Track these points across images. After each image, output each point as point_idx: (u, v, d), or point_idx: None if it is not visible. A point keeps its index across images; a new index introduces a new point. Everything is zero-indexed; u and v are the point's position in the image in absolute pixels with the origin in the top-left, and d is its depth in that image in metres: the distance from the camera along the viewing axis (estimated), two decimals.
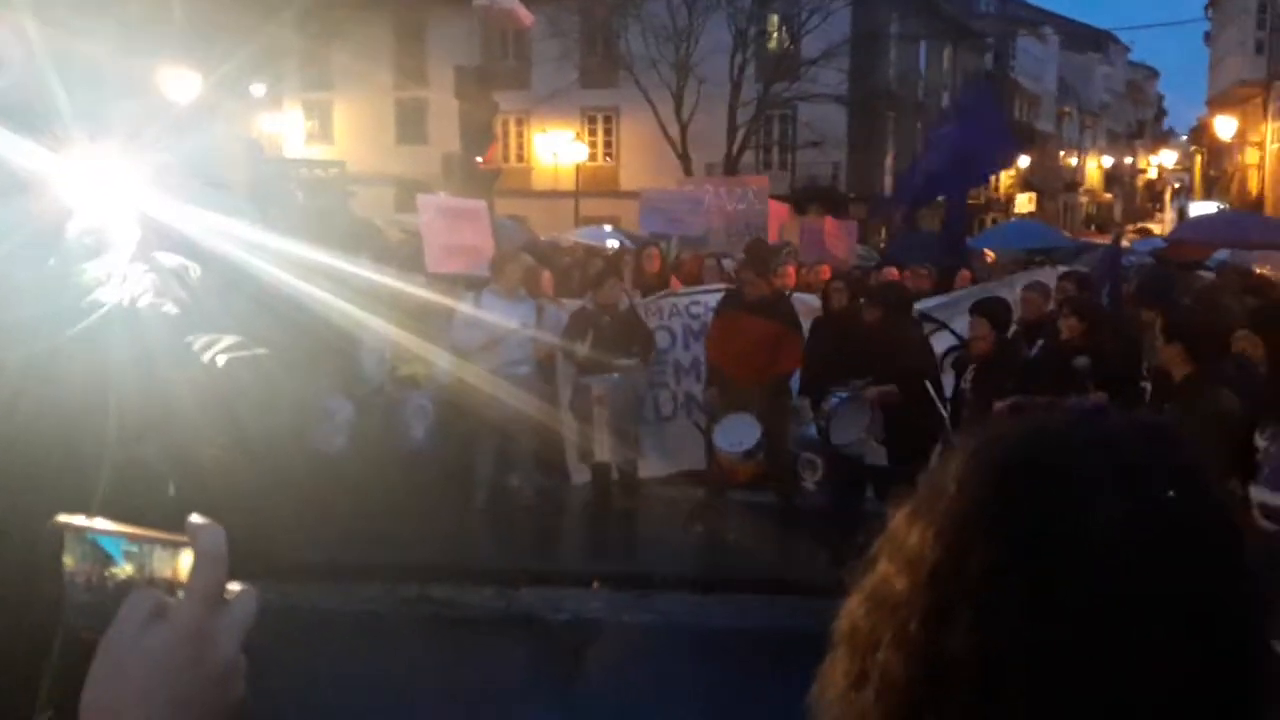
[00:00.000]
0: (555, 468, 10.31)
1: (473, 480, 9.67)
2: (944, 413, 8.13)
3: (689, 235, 14.32)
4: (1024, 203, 55.02)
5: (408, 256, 11.75)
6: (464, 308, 9.45)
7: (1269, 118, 37.51)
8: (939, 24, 43.86)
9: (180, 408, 1.57)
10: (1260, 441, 5.37)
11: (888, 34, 39.12)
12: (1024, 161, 55.48)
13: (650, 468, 10.19)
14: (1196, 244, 17.58)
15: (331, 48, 35.33)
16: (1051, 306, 9.35)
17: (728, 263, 12.57)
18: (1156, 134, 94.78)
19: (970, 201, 44.34)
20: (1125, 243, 16.97)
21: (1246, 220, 22.53)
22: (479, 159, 17.81)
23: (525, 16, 21.53)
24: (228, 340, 1.68)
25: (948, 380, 8.75)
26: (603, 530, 9.83)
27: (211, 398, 1.61)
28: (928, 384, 8.28)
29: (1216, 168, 48.75)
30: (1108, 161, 78.42)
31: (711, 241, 14.49)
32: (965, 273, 12.65)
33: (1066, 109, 67.87)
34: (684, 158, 33.92)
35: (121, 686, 0.83)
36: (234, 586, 0.89)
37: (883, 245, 23.22)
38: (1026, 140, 48.15)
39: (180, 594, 0.87)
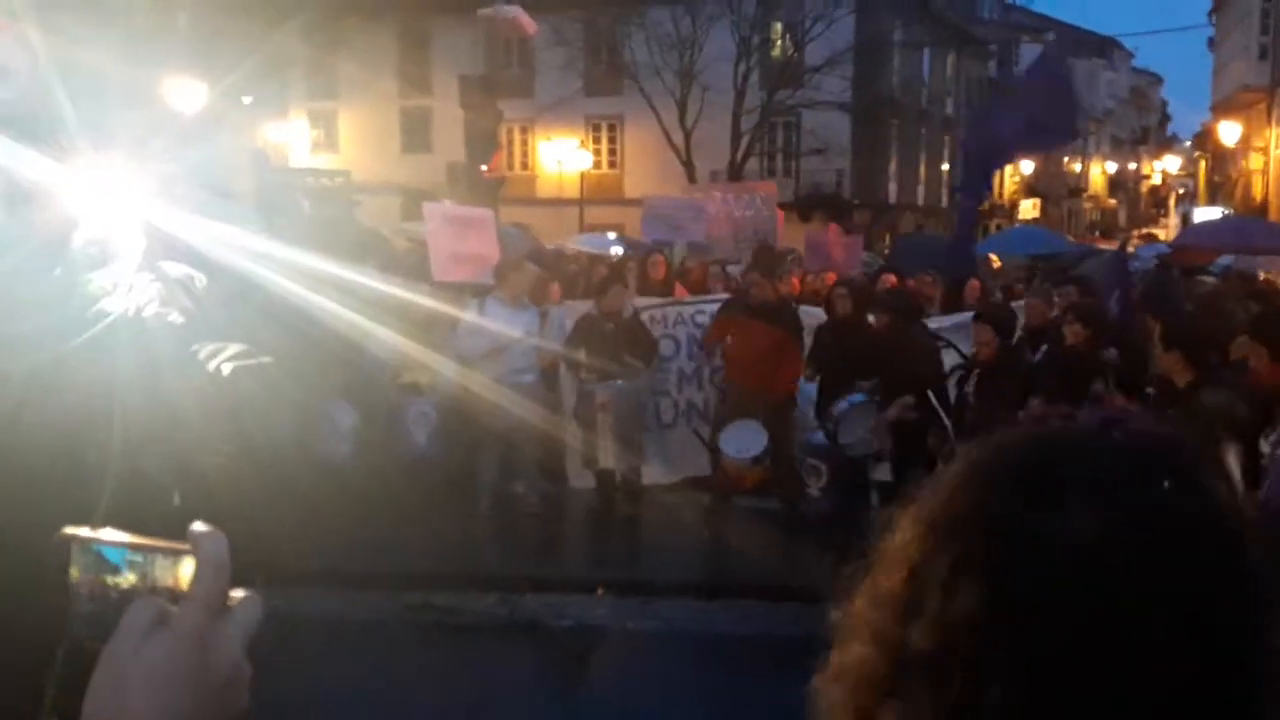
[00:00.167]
0: (559, 474, 10.31)
1: (476, 487, 9.68)
2: (946, 421, 8.11)
3: (692, 242, 14.33)
4: (1028, 208, 55.03)
5: (413, 265, 11.77)
6: (468, 316, 9.45)
7: (1273, 123, 37.45)
8: (942, 31, 43.84)
9: (185, 417, 1.58)
10: (1265, 447, 5.36)
11: (891, 41, 39.12)
12: (1028, 167, 55.50)
13: (653, 475, 10.19)
14: (1200, 249, 17.58)
15: (337, 57, 35.43)
16: (1055, 313, 9.34)
17: (733, 269, 12.58)
18: (1160, 140, 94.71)
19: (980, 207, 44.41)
20: (1130, 248, 16.96)
21: (1250, 226, 22.52)
22: (484, 167, 17.85)
23: (529, 25, 21.54)
24: (233, 349, 1.68)
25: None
26: (606, 537, 9.83)
27: (217, 407, 1.62)
28: (930, 393, 8.28)
29: (1220, 173, 48.70)
30: (1112, 167, 78.35)
31: (718, 249, 14.50)
32: (975, 282, 12.61)
33: None
34: (688, 165, 33.94)
35: (124, 696, 0.83)
36: (237, 594, 0.89)
37: (887, 252, 23.20)
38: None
39: (182, 602, 0.87)
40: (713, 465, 9.51)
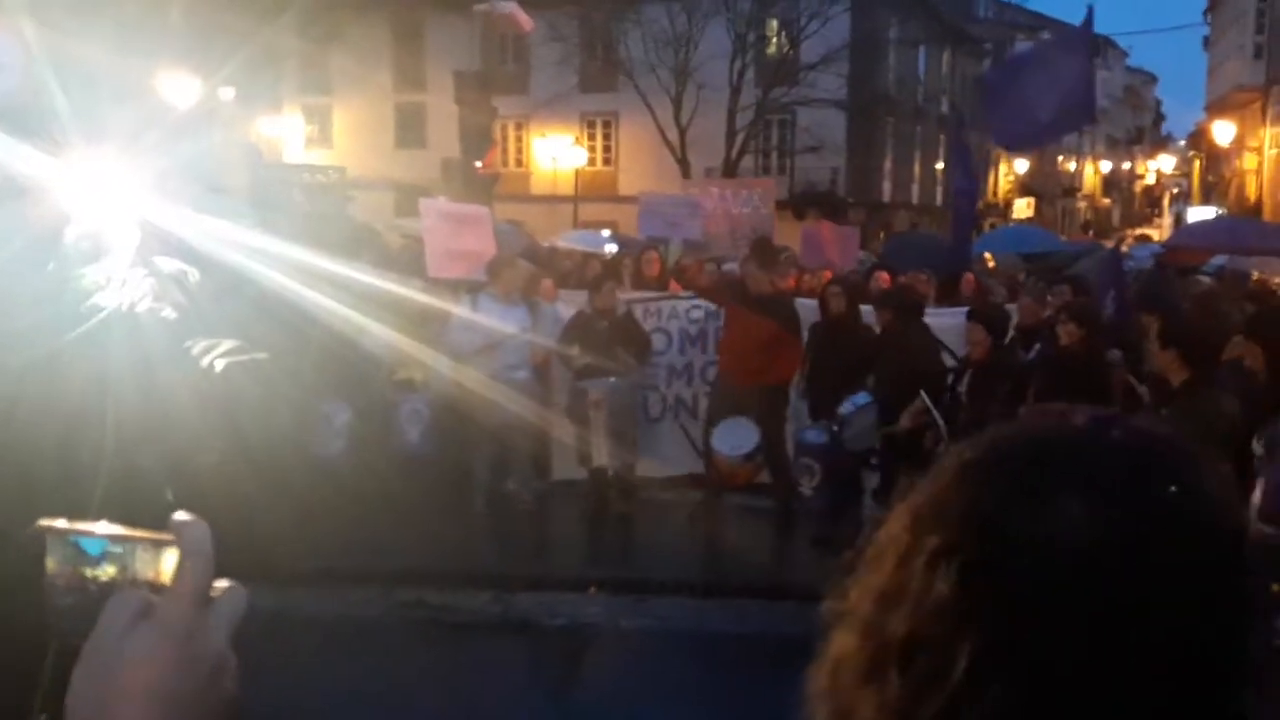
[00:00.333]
0: (546, 469, 10.32)
1: (469, 485, 9.67)
2: (940, 420, 8.13)
3: (687, 239, 14.30)
4: (1022, 208, 55.12)
5: (407, 262, 11.76)
6: (461, 310, 9.45)
7: (1267, 123, 37.54)
8: (938, 29, 43.88)
9: (179, 413, 1.57)
10: (1257, 448, 5.38)
11: (887, 39, 39.15)
12: (1022, 166, 55.59)
13: (643, 469, 10.17)
14: (1194, 249, 17.61)
15: (330, 52, 35.37)
16: (1049, 312, 9.34)
17: (729, 267, 12.56)
18: (1155, 139, 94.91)
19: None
20: (1124, 248, 16.98)
21: (1244, 226, 22.56)
22: (478, 163, 17.83)
23: (525, 21, 21.55)
24: (227, 345, 1.67)
25: None
26: (600, 535, 9.83)
27: (210, 403, 1.61)
28: (923, 393, 8.29)
29: (1214, 173, 48.82)
30: (1106, 167, 78.50)
31: (715, 246, 14.46)
32: (969, 276, 12.61)
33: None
34: (683, 162, 33.94)
35: (109, 691, 0.81)
36: (221, 584, 0.88)
37: (880, 250, 23.20)
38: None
39: (165, 594, 0.85)
40: (705, 462, 9.51)
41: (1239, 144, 40.78)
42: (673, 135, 34.49)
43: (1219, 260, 17.06)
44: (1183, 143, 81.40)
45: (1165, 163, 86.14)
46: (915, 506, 0.90)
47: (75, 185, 1.60)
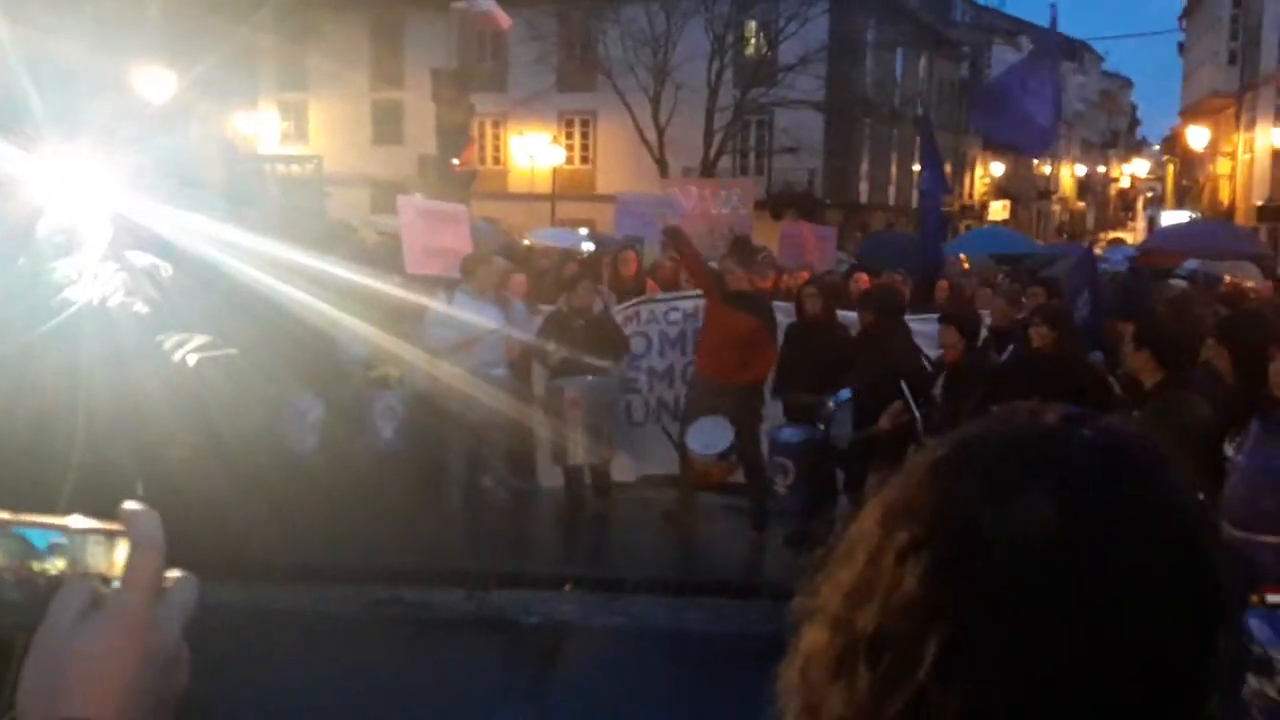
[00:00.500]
0: (527, 470, 10.30)
1: (445, 482, 9.65)
2: (918, 417, 8.15)
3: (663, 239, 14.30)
4: (998, 210, 55.36)
5: (383, 258, 11.72)
6: (437, 306, 9.43)
7: (1241, 128, 37.84)
8: (915, 32, 44.02)
9: (150, 407, 1.56)
10: (1229, 450, 5.41)
11: (864, 41, 39.25)
12: (998, 169, 55.83)
13: (621, 472, 10.18)
14: (1168, 253, 17.74)
15: (307, 48, 35.20)
16: (1023, 314, 9.39)
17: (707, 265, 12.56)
18: (1129, 143, 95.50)
19: (944, 209, 44.68)
20: (1098, 250, 17.08)
21: (1218, 230, 22.76)
22: (455, 161, 17.76)
23: (502, 19, 21.44)
24: (199, 340, 1.67)
25: None
26: (575, 533, 9.82)
27: (182, 397, 1.60)
28: (904, 386, 8.32)
29: (1189, 177, 49.19)
30: (1081, 170, 78.94)
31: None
32: (944, 283, 12.67)
33: None
34: (661, 162, 33.94)
35: (58, 681, 0.80)
36: (173, 574, 0.86)
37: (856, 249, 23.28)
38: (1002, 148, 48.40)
39: (116, 584, 0.83)
40: (680, 461, 9.51)
41: (1213, 149, 41.11)
42: (651, 135, 34.48)
43: (1192, 264, 17.19)
44: (1157, 147, 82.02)
45: (1140, 167, 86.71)
46: (886, 503, 0.91)
47: (48, 180, 1.60)
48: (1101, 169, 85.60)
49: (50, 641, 0.81)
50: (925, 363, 8.86)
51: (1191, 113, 44.44)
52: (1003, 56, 58.05)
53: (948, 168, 14.44)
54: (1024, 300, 10.28)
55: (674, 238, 9.77)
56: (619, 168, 34.45)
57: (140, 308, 1.62)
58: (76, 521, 0.85)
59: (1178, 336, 6.52)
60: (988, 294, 11.87)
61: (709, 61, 34.40)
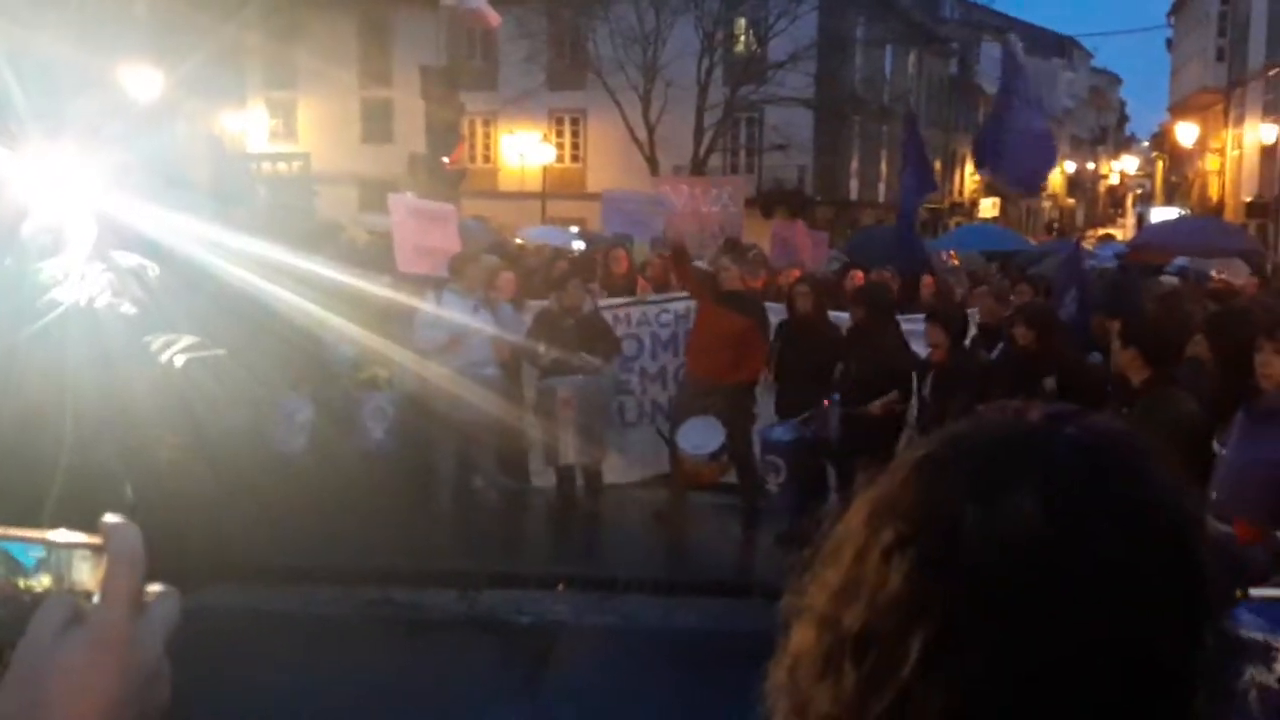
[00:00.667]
0: (519, 470, 10.29)
1: (435, 482, 9.63)
2: (912, 416, 8.19)
3: (654, 237, 14.29)
4: (988, 207, 55.43)
5: (373, 258, 11.69)
6: (426, 306, 9.41)
7: (1229, 124, 37.99)
8: (905, 29, 44.10)
9: (138, 408, 1.56)
10: (1218, 448, 5.42)
11: (854, 38, 39.30)
12: None
13: (614, 473, 10.17)
14: (1158, 249, 17.79)
15: (295, 46, 35.10)
16: (1010, 311, 9.42)
17: (697, 265, 12.56)
18: (1119, 140, 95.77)
19: (934, 206, 44.75)
20: (1088, 245, 17.12)
21: (1207, 226, 22.82)
22: (445, 159, 17.75)
23: (492, 17, 21.40)
24: (186, 340, 1.66)
25: None
26: (566, 533, 9.82)
27: (169, 398, 1.59)
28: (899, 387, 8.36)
29: (1178, 174, 49.34)
30: (1070, 167, 79.03)
31: None
32: (929, 279, 12.70)
33: None
34: (651, 160, 33.93)
35: (36, 699, 0.79)
36: (154, 588, 0.85)
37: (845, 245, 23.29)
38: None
39: (98, 599, 0.82)
40: (671, 461, 9.52)
41: (1201, 145, 41.25)
42: (641, 133, 34.49)
43: (1181, 261, 17.24)
44: (1146, 143, 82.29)
45: (1129, 163, 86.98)
46: (872, 501, 0.90)
47: (33, 179, 1.59)
48: (1091, 166, 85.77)
49: (30, 657, 0.80)
50: (917, 359, 8.89)
51: (1180, 109, 44.60)
52: (992, 53, 58.18)
53: (937, 165, 14.40)
54: (1012, 298, 10.31)
55: (676, 252, 9.74)
56: (609, 166, 34.44)
57: (127, 308, 1.61)
58: (60, 535, 0.84)
59: (1165, 334, 6.53)
60: (985, 291, 11.88)
61: (699, 59, 34.42)
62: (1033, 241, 32.90)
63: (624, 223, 14.37)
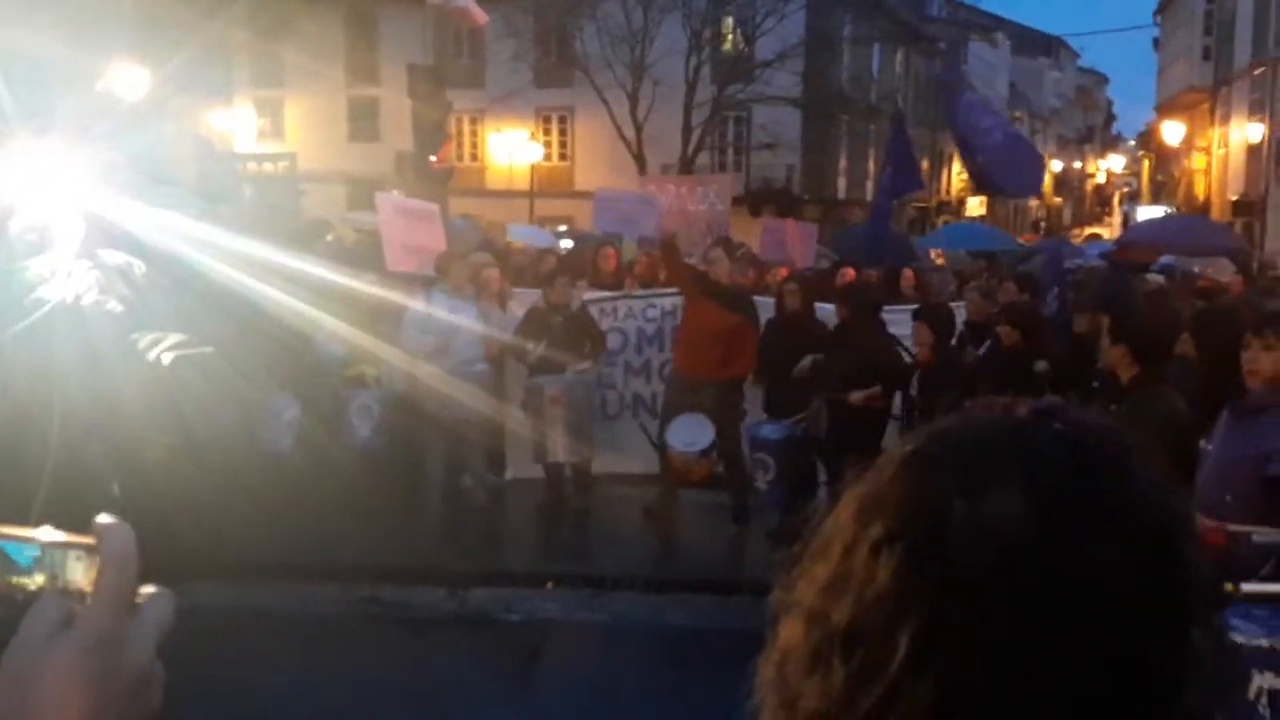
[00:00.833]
0: (501, 465, 10.30)
1: (424, 480, 9.62)
2: (898, 414, 8.21)
3: (643, 236, 14.30)
4: (975, 205, 55.55)
5: (361, 257, 11.68)
6: (415, 304, 9.40)
7: (1215, 123, 38.15)
8: (892, 28, 44.16)
9: (125, 407, 1.55)
10: (1204, 444, 5.44)
11: (841, 37, 39.34)
12: None
13: (601, 466, 10.17)
14: (1144, 248, 17.85)
15: (282, 44, 35.02)
16: (997, 309, 9.46)
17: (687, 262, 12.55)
18: (1105, 139, 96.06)
19: (921, 204, 44.84)
20: (1078, 242, 17.13)
21: (1194, 224, 22.92)
22: (432, 158, 17.71)
23: (479, 15, 21.32)
24: (174, 338, 1.65)
25: None
26: (556, 530, 9.82)
27: (157, 397, 1.59)
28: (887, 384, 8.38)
29: (1164, 172, 49.56)
30: (1057, 166, 79.17)
31: None
32: (908, 273, 12.73)
33: (1017, 114, 68.49)
34: (639, 158, 33.93)
35: (26, 700, 0.78)
36: (147, 590, 0.84)
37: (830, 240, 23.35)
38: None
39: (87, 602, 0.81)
40: (660, 459, 9.52)
41: (1188, 144, 41.43)
42: (629, 131, 34.48)
43: (1166, 259, 17.30)
44: (1133, 142, 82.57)
45: (1115, 162, 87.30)
46: (860, 496, 0.90)
47: (19, 177, 1.58)
48: (1078, 165, 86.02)
49: (21, 657, 0.79)
50: (907, 355, 8.92)
51: (1167, 108, 44.78)
52: (979, 52, 58.39)
53: (925, 164, 14.42)
54: (1001, 297, 10.35)
55: (666, 247, 9.68)
56: (597, 164, 34.44)
57: (114, 306, 1.61)
58: (47, 534, 0.83)
59: (1154, 331, 6.56)
60: (973, 288, 11.91)
61: (686, 58, 34.42)
62: (1021, 241, 32.99)
63: (615, 221, 14.38)
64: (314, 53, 35.27)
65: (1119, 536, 0.84)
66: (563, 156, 39.71)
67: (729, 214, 15.75)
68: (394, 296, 9.29)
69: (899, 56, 47.21)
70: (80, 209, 1.67)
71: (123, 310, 1.61)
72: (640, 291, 11.28)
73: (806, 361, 9.08)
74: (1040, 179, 14.32)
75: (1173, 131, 41.77)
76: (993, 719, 0.81)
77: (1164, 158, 48.67)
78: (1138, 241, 19.34)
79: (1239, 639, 3.83)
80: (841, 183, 42.04)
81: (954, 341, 9.00)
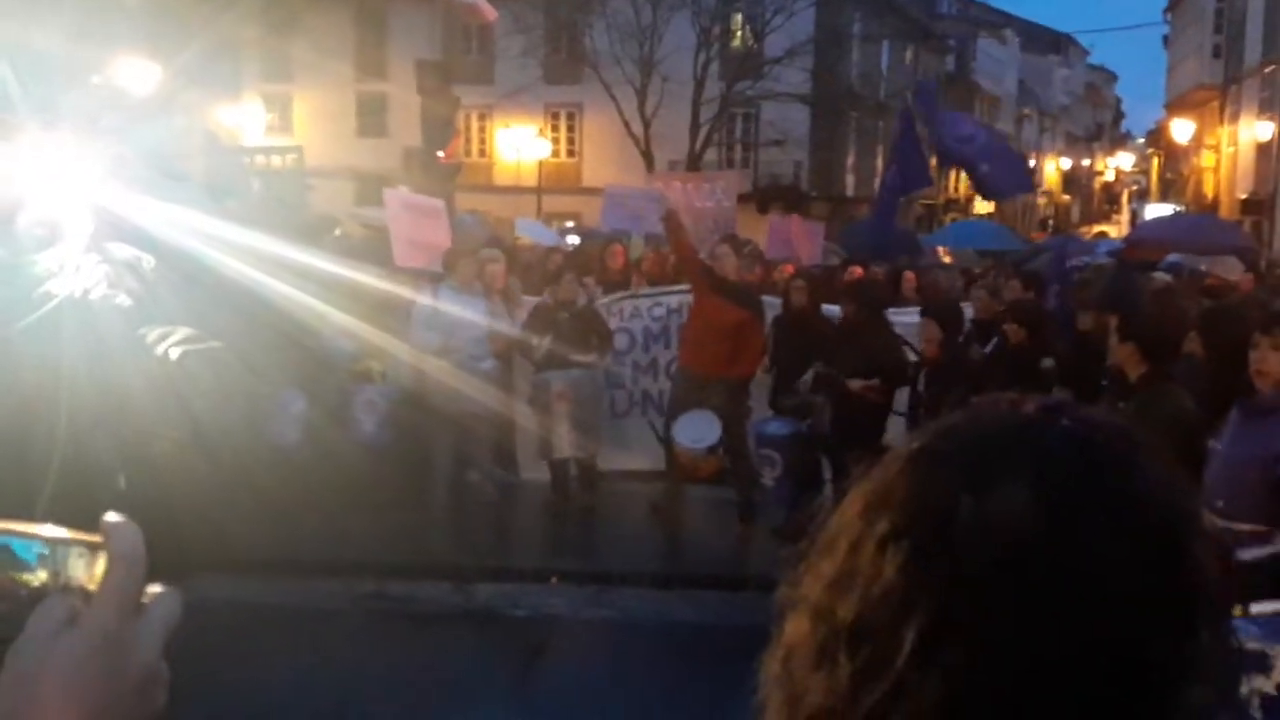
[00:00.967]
0: (514, 463, 10.30)
1: (431, 475, 9.63)
2: (901, 413, 8.20)
3: (650, 233, 14.28)
4: (982, 204, 55.45)
5: (369, 252, 11.68)
6: (423, 300, 9.41)
7: (1225, 121, 38.01)
8: (901, 25, 44.07)
9: (133, 401, 1.55)
10: (1212, 443, 5.43)
11: (850, 34, 39.25)
12: None
13: (604, 461, 10.16)
14: (1152, 246, 17.78)
15: (291, 39, 35.03)
16: (1004, 306, 9.46)
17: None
18: (1114, 137, 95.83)
19: (928, 201, 44.73)
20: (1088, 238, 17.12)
21: (1203, 223, 22.83)
22: (440, 153, 17.70)
23: (488, 11, 21.37)
24: (182, 333, 1.66)
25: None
26: (562, 526, 9.82)
27: (165, 391, 1.59)
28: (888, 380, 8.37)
29: (1173, 171, 49.37)
30: (1066, 163, 79.11)
31: None
32: (910, 275, 12.68)
33: (1026, 111, 68.41)
34: (647, 155, 33.91)
35: (30, 699, 0.78)
36: (154, 589, 0.83)
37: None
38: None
39: (91, 600, 0.81)
40: (667, 455, 9.51)
41: (1197, 142, 41.28)
42: (637, 128, 34.44)
43: (1173, 258, 17.24)
44: (1142, 140, 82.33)
45: (1124, 160, 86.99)
46: (867, 493, 0.90)
47: (29, 171, 1.58)
48: (1086, 162, 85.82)
49: (24, 657, 0.79)
50: (912, 353, 8.90)
51: (1176, 106, 44.62)
52: (988, 49, 58.26)
53: (932, 161, 14.34)
54: (1005, 294, 10.35)
55: (670, 221, 9.61)
56: (605, 160, 34.40)
57: (122, 300, 1.61)
58: (51, 531, 0.83)
59: (1163, 329, 6.54)
60: (980, 285, 11.90)
61: (695, 54, 34.39)
62: (1031, 238, 32.91)
63: (623, 218, 14.36)
64: (323, 48, 35.26)
65: (1127, 534, 0.83)
66: (570, 153, 39.70)
67: (735, 210, 15.71)
68: (401, 292, 9.30)
69: (909, 53, 47.12)
70: (89, 203, 1.67)
71: (131, 304, 1.62)
72: (646, 290, 11.27)
73: (809, 376, 9.04)
74: (1029, 175, 14.35)
75: (1182, 129, 41.63)
76: (999, 715, 0.81)
77: (1173, 156, 48.50)
78: (1146, 239, 19.26)
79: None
80: (850, 180, 41.97)
81: (961, 339, 8.99)
